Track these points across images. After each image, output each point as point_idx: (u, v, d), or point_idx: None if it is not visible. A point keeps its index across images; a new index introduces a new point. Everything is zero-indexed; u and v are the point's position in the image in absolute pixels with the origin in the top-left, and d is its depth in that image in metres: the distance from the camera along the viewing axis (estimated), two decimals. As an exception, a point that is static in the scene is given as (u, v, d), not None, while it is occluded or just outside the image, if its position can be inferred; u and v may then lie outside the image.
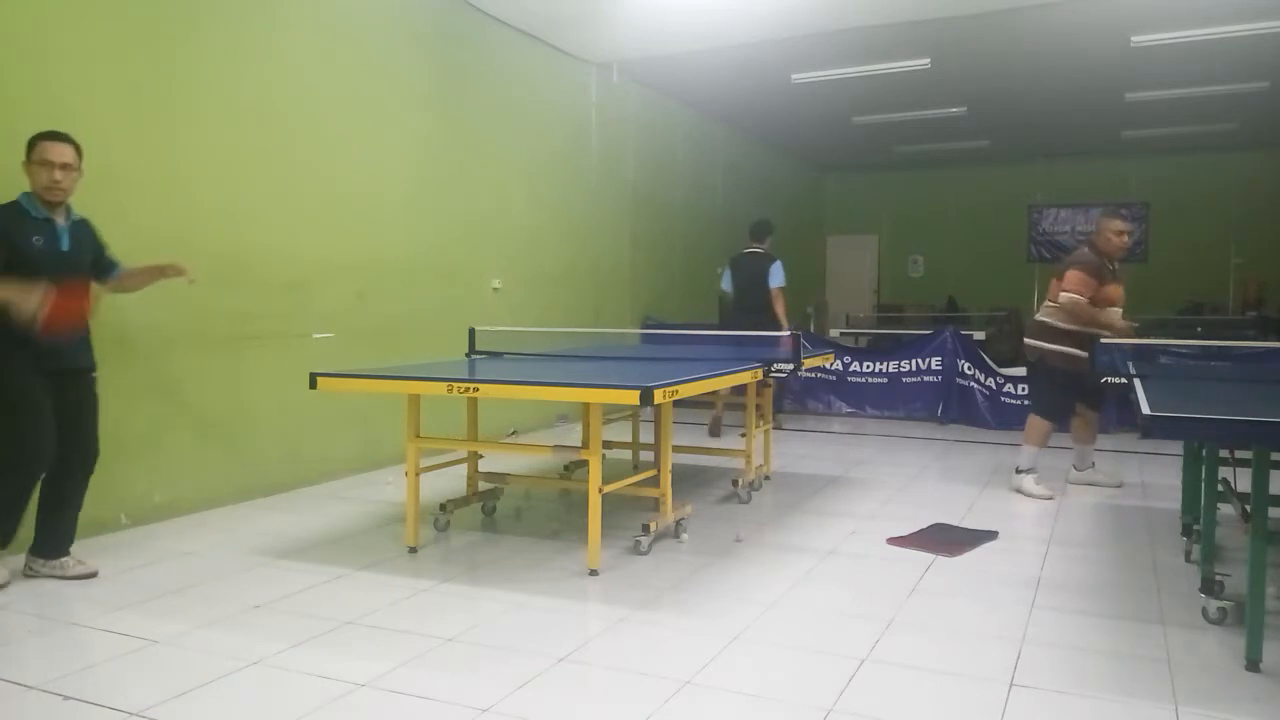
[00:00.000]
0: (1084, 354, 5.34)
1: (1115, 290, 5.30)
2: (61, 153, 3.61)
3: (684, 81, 9.96)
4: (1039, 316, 5.52)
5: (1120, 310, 5.31)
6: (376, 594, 3.62)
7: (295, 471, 5.59)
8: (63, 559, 3.80)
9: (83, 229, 3.79)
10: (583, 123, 8.90)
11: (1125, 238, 5.32)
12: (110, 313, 4.50)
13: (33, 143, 3.60)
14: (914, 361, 8.72)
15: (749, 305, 7.72)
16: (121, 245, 4.54)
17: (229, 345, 5.17)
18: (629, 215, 9.81)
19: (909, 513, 4.97)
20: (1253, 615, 2.86)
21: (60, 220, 3.68)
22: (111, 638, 3.14)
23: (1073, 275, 5.25)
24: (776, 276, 7.67)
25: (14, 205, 3.60)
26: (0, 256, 3.50)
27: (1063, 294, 5.25)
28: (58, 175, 3.59)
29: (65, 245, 3.67)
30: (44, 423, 3.62)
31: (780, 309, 7.64)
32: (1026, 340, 5.58)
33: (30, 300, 3.42)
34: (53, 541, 3.80)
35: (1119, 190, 14.34)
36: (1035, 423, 5.49)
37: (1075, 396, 5.51)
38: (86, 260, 3.78)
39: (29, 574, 3.76)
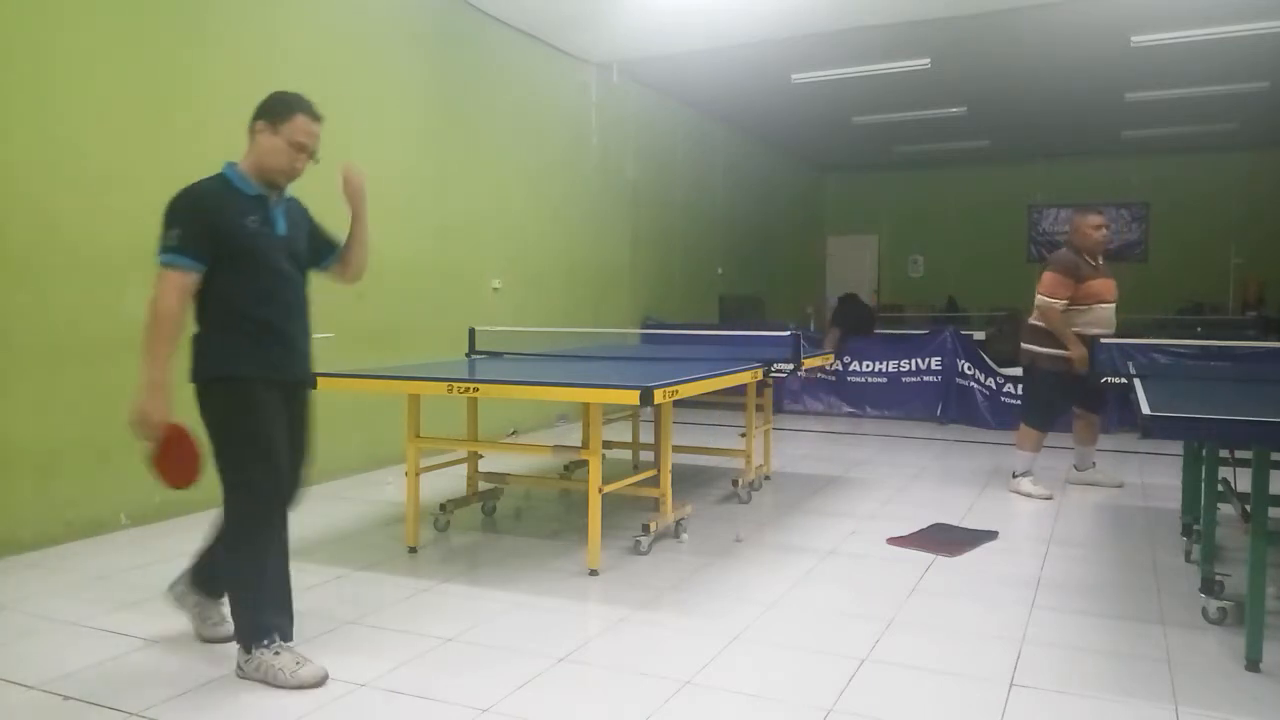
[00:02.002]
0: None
1: (1101, 285, 5.30)
2: (315, 136, 2.88)
3: (684, 81, 9.96)
4: (1030, 320, 5.53)
5: (1111, 306, 5.32)
6: (376, 594, 3.62)
7: (295, 471, 5.57)
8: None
9: (296, 209, 3.03)
10: (583, 123, 8.90)
11: (1103, 231, 5.34)
12: (110, 312, 4.51)
13: (288, 111, 2.84)
14: (914, 361, 8.72)
15: None
16: (120, 244, 4.55)
17: (229, 345, 5.16)
18: (629, 215, 9.80)
19: (909, 513, 4.97)
20: (1253, 615, 2.86)
21: (274, 198, 2.91)
22: (111, 638, 3.14)
23: (1047, 277, 5.32)
24: None
25: (220, 180, 2.85)
26: (207, 247, 2.73)
27: (1038, 297, 5.32)
28: (300, 165, 2.87)
29: (282, 228, 2.91)
30: (280, 457, 2.85)
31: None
32: (1021, 345, 5.59)
33: (144, 430, 2.68)
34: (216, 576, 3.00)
35: (1119, 190, 14.34)
36: (1026, 430, 5.49)
37: (1068, 400, 5.49)
38: (304, 247, 3.02)
39: (178, 602, 3.07)
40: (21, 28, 4.17)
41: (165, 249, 2.72)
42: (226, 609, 2.93)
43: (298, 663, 2.75)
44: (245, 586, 2.81)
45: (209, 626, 3.08)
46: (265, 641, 2.76)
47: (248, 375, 2.77)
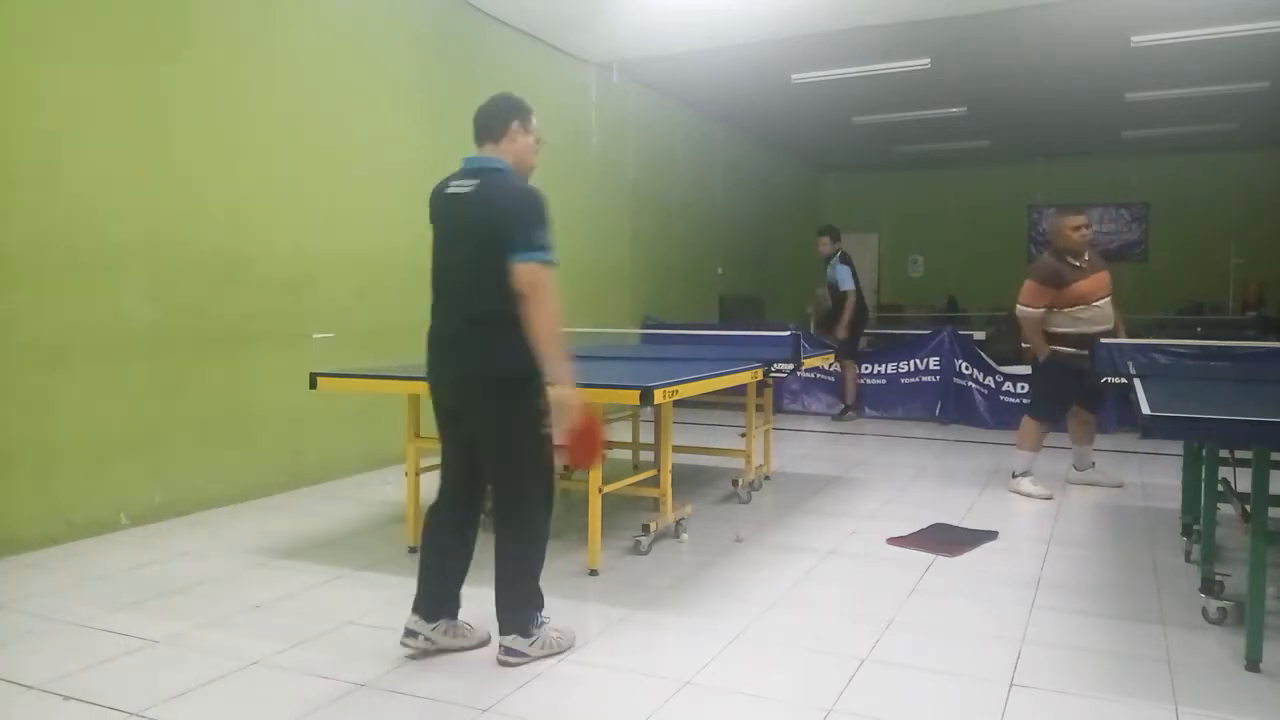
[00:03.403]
0: (1081, 351, 5.33)
1: (1086, 285, 5.29)
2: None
3: (684, 81, 9.96)
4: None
5: (1104, 302, 5.31)
6: (376, 594, 3.62)
7: (295, 471, 5.58)
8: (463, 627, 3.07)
9: None
10: (583, 123, 8.90)
11: (1083, 231, 5.34)
12: (109, 312, 4.52)
13: (530, 111, 3.10)
14: (912, 362, 8.72)
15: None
16: (120, 244, 4.56)
17: (229, 345, 5.17)
18: (629, 215, 9.80)
19: (909, 513, 4.97)
20: (1253, 615, 2.86)
21: None
22: (111, 638, 3.14)
23: (1025, 286, 5.40)
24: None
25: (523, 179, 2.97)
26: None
27: (1017, 305, 5.42)
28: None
29: None
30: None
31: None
32: (1024, 344, 5.61)
33: (569, 418, 2.75)
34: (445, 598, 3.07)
35: (1119, 190, 14.34)
36: (1029, 426, 5.51)
37: (1072, 397, 5.51)
38: None
39: (415, 646, 2.97)
40: (21, 26, 4.17)
41: (544, 247, 2.75)
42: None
43: (557, 630, 2.99)
44: (534, 576, 2.98)
45: (460, 638, 3.05)
46: (541, 622, 2.96)
47: (540, 389, 2.82)
